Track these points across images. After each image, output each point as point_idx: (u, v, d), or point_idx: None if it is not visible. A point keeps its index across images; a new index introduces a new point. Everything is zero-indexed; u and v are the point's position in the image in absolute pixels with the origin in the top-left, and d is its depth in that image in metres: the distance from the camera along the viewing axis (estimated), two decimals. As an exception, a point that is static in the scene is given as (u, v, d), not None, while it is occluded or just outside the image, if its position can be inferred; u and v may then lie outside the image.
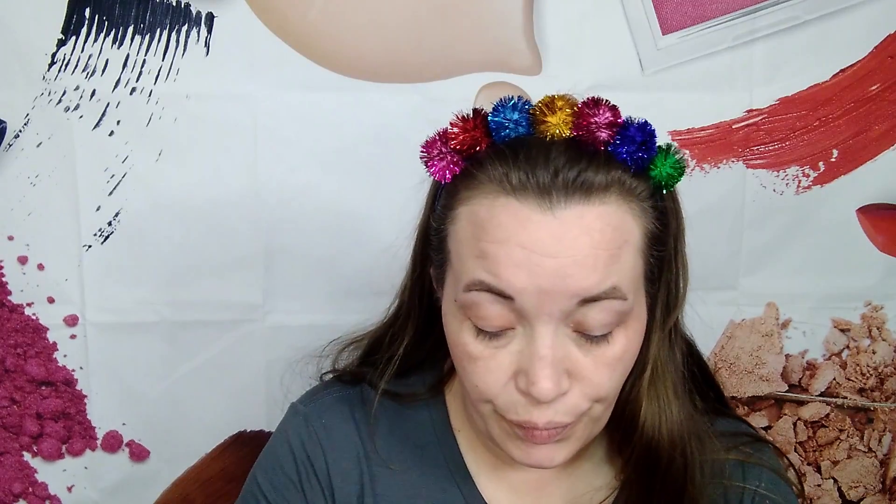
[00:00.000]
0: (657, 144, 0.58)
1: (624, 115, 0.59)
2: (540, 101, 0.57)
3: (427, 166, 0.60)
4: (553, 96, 0.58)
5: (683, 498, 0.63)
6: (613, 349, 0.58)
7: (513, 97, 0.58)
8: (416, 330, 0.71)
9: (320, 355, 0.80)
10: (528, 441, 0.59)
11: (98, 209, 0.95)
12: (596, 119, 0.56)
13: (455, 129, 0.58)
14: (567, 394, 0.57)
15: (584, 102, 0.57)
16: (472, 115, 0.59)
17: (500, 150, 0.57)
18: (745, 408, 1.09)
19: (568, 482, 0.69)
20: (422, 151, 0.61)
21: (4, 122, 0.92)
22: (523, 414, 0.57)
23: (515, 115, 0.57)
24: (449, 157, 0.59)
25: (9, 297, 0.96)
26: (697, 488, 0.63)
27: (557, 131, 0.56)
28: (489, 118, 0.58)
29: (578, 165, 0.55)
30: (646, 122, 0.57)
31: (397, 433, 0.71)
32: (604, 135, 0.56)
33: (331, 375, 0.77)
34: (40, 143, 0.93)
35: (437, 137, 0.60)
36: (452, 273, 0.60)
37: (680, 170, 0.58)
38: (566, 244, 0.54)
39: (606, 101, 0.57)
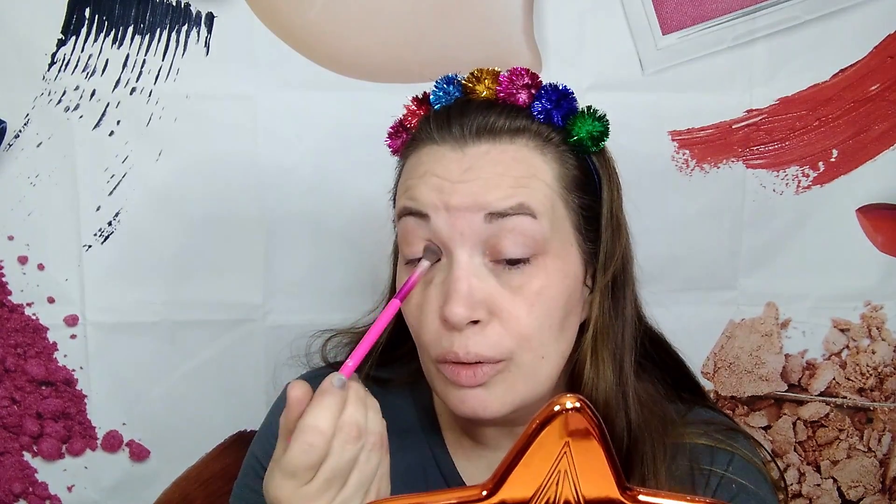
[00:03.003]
0: (579, 106, 0.64)
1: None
2: (469, 73, 0.66)
3: (389, 147, 0.70)
4: (479, 68, 0.65)
5: (630, 460, 0.64)
6: (531, 283, 0.60)
7: (451, 75, 0.66)
8: (398, 320, 0.72)
9: (308, 352, 0.80)
10: (459, 385, 0.61)
11: (98, 209, 0.95)
12: (516, 83, 0.63)
13: (407, 111, 0.68)
14: (487, 327, 0.60)
15: (506, 71, 0.65)
16: (420, 97, 0.68)
17: (434, 114, 0.65)
18: (745, 407, 1.09)
19: None
20: (386, 138, 0.70)
21: (4, 122, 0.92)
22: (446, 344, 0.60)
23: (450, 88, 0.66)
24: (404, 135, 0.68)
25: (9, 297, 0.96)
26: (647, 450, 0.65)
27: (483, 95, 0.64)
28: (431, 93, 0.67)
29: (491, 114, 0.62)
30: (564, 86, 0.64)
31: (382, 416, 0.72)
32: (522, 96, 0.63)
33: (322, 365, 0.80)
34: (40, 143, 0.93)
35: (396, 123, 0.69)
36: None
37: (602, 129, 0.64)
38: (473, 172, 0.60)
39: (527, 69, 0.64)
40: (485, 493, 0.46)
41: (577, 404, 0.44)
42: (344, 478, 0.51)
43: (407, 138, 0.67)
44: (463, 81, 0.65)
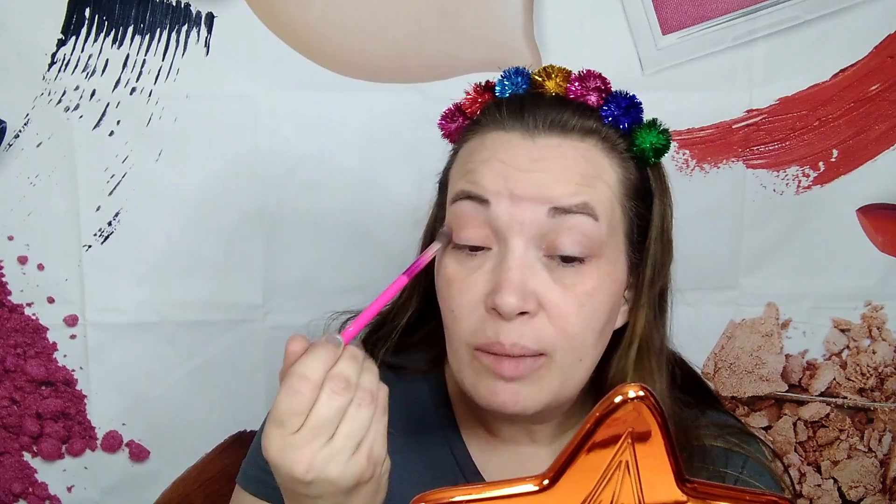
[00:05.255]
0: (644, 118, 0.65)
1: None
2: (539, 68, 0.66)
3: (442, 129, 0.68)
4: (551, 65, 0.65)
5: None
6: (584, 283, 0.60)
7: (519, 67, 0.66)
8: (419, 305, 0.73)
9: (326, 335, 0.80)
10: (495, 376, 0.60)
11: (98, 209, 0.95)
12: (587, 84, 0.64)
13: (467, 97, 0.67)
14: (534, 319, 0.59)
15: (578, 72, 0.65)
16: (483, 84, 0.67)
17: (499, 101, 0.65)
18: (746, 408, 1.09)
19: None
20: (440, 120, 0.68)
21: (4, 122, 0.92)
22: (490, 334, 0.60)
23: (518, 79, 0.65)
24: (460, 120, 0.67)
25: (9, 297, 0.96)
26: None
27: (553, 92, 0.64)
28: (496, 82, 0.66)
29: (564, 110, 0.62)
30: (633, 94, 0.64)
31: (396, 402, 0.72)
32: (593, 98, 0.64)
33: None
34: (40, 143, 0.93)
35: (453, 107, 0.68)
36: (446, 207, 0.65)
37: (664, 142, 0.64)
38: (541, 164, 0.60)
39: (599, 73, 0.64)
40: (546, 482, 0.45)
41: (641, 393, 0.43)
42: (331, 429, 0.50)
43: (463, 123, 0.67)
44: (532, 74, 0.66)
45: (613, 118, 0.63)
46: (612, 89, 0.65)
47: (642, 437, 0.44)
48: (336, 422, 0.50)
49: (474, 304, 0.61)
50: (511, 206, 0.59)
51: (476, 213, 0.60)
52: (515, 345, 0.59)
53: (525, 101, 0.63)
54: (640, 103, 0.64)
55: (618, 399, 0.43)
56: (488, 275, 0.60)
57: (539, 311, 0.60)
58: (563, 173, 0.60)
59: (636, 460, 0.44)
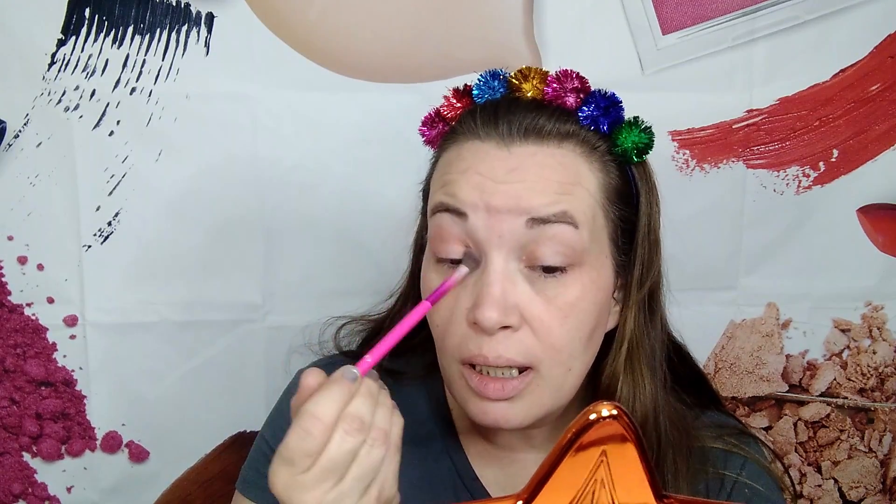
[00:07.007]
0: (625, 117, 0.63)
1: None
2: (516, 70, 0.64)
3: (422, 136, 0.68)
4: (527, 66, 0.64)
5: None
6: (567, 293, 0.59)
7: (496, 70, 0.65)
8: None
9: (320, 340, 0.80)
10: (482, 396, 0.60)
11: (98, 209, 0.95)
12: (565, 85, 0.62)
13: (446, 103, 0.66)
14: (518, 332, 0.59)
15: (555, 72, 0.63)
16: (461, 89, 0.66)
17: (474, 108, 0.64)
18: (746, 408, 1.09)
19: None
20: (420, 126, 0.68)
21: (4, 122, 0.92)
22: (473, 348, 0.59)
23: (495, 83, 0.64)
24: (440, 126, 0.66)
25: (9, 297, 0.96)
26: (670, 465, 0.64)
27: (530, 94, 0.63)
28: (473, 87, 0.65)
29: (539, 115, 0.61)
30: (613, 93, 0.62)
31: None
32: (570, 99, 0.62)
33: (335, 353, 0.79)
34: (40, 143, 0.93)
35: (433, 112, 0.68)
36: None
37: (647, 140, 0.62)
38: (518, 174, 0.59)
39: (577, 72, 0.62)
40: (520, 502, 0.45)
41: (615, 412, 0.43)
42: (342, 470, 0.49)
43: (443, 129, 0.66)
44: (509, 77, 0.64)
45: (592, 119, 0.62)
46: (591, 89, 0.63)
47: (617, 455, 0.44)
48: (347, 464, 0.49)
49: (457, 319, 0.60)
50: (488, 218, 0.58)
51: (455, 225, 0.60)
52: (500, 357, 0.59)
53: (500, 107, 0.62)
54: (621, 102, 0.63)
55: (592, 417, 0.43)
56: (470, 289, 0.60)
57: (522, 324, 0.59)
58: (539, 182, 0.59)
59: (612, 477, 0.45)
